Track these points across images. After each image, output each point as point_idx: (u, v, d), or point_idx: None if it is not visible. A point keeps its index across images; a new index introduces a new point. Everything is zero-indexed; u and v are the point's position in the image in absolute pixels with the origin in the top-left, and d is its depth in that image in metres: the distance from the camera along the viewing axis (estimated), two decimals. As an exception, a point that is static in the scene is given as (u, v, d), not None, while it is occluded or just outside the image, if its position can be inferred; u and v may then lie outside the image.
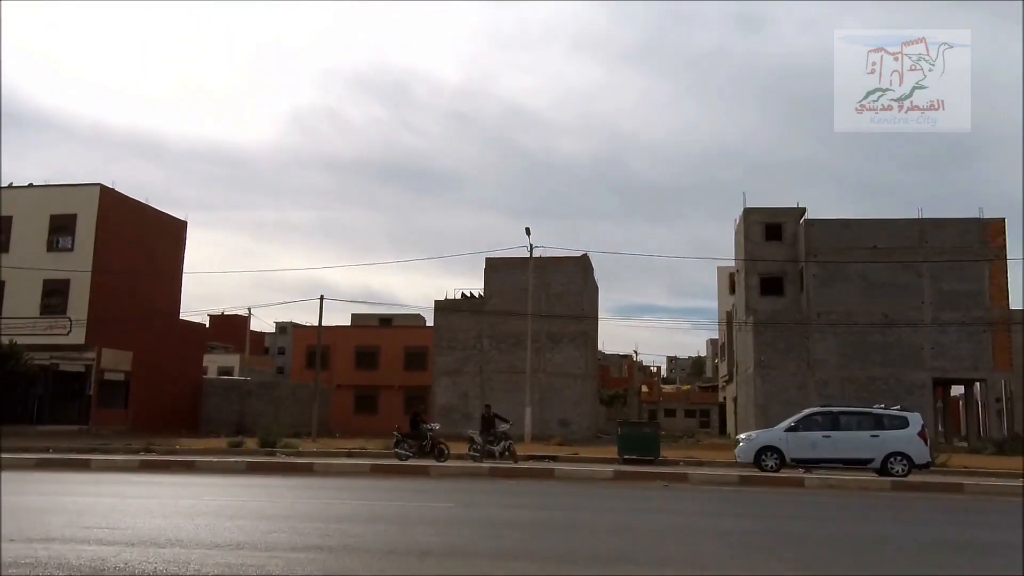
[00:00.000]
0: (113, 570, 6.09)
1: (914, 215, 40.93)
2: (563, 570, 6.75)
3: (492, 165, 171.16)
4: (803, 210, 43.65)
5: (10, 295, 36.79)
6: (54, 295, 36.75)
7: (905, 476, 17.87)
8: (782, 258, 43.06)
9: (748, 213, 44.03)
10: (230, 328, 67.15)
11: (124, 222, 38.62)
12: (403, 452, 20.79)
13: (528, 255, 36.94)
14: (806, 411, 20.79)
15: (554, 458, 22.73)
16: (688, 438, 41.26)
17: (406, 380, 51.57)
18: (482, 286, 44.55)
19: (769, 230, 43.68)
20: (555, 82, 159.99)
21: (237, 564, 6.39)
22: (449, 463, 19.76)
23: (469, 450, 21.68)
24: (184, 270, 43.67)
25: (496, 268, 43.60)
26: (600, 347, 57.04)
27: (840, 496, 14.63)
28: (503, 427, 21.99)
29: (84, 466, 18.10)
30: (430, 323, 49.44)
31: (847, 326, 39.49)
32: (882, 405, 20.86)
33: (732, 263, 50.68)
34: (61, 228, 37.62)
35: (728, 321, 53.90)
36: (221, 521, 8.93)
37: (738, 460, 19.82)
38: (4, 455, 18.23)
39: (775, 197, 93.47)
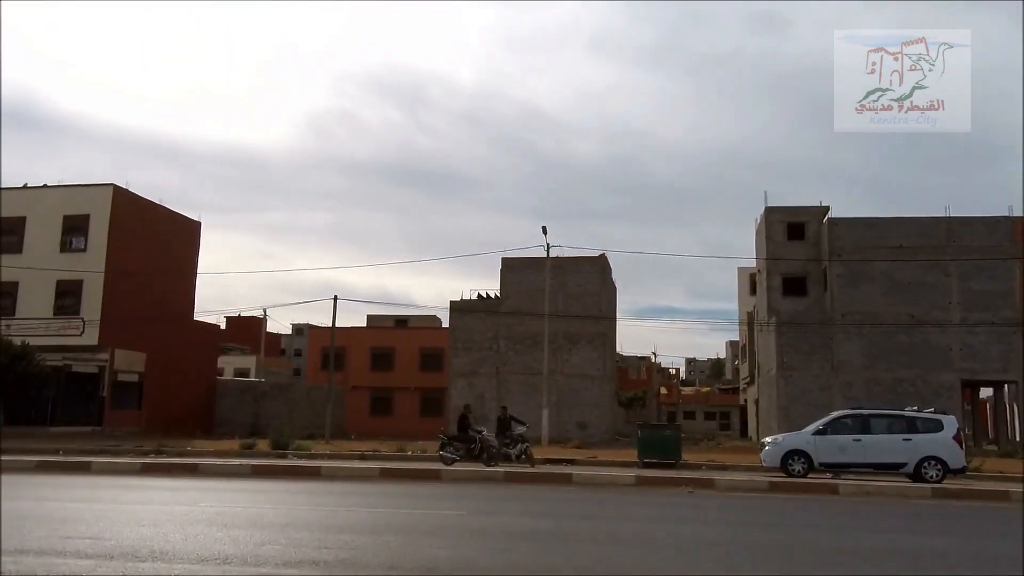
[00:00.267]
0: (82, 588, 5.50)
1: (939, 214, 39.89)
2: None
3: (507, 167, 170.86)
4: (826, 209, 42.71)
5: (23, 296, 36.61)
6: (67, 296, 36.53)
7: (940, 481, 17.24)
8: (805, 258, 42.09)
9: (770, 212, 43.16)
10: (246, 330, 66.96)
11: (137, 222, 38.35)
12: (449, 455, 20.08)
13: (545, 255, 36.27)
14: (835, 414, 20.08)
15: (572, 462, 22.10)
16: (708, 441, 40.48)
17: (422, 382, 51.15)
18: (498, 287, 43.93)
19: (791, 229, 42.77)
20: (571, 83, 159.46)
21: (219, 582, 5.79)
22: (457, 467, 18.99)
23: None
24: (198, 271, 43.49)
25: (512, 268, 42.94)
26: (618, 349, 56.22)
27: (879, 504, 13.77)
28: (520, 429, 21.55)
29: (84, 469, 17.63)
30: (446, 324, 48.93)
31: (872, 327, 38.51)
32: (915, 407, 20.18)
33: (753, 264, 49.76)
34: (74, 229, 37.41)
35: (749, 322, 52.92)
36: (213, 530, 8.33)
37: (764, 464, 19.17)
38: (5, 457, 17.79)
39: (793, 198, 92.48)
